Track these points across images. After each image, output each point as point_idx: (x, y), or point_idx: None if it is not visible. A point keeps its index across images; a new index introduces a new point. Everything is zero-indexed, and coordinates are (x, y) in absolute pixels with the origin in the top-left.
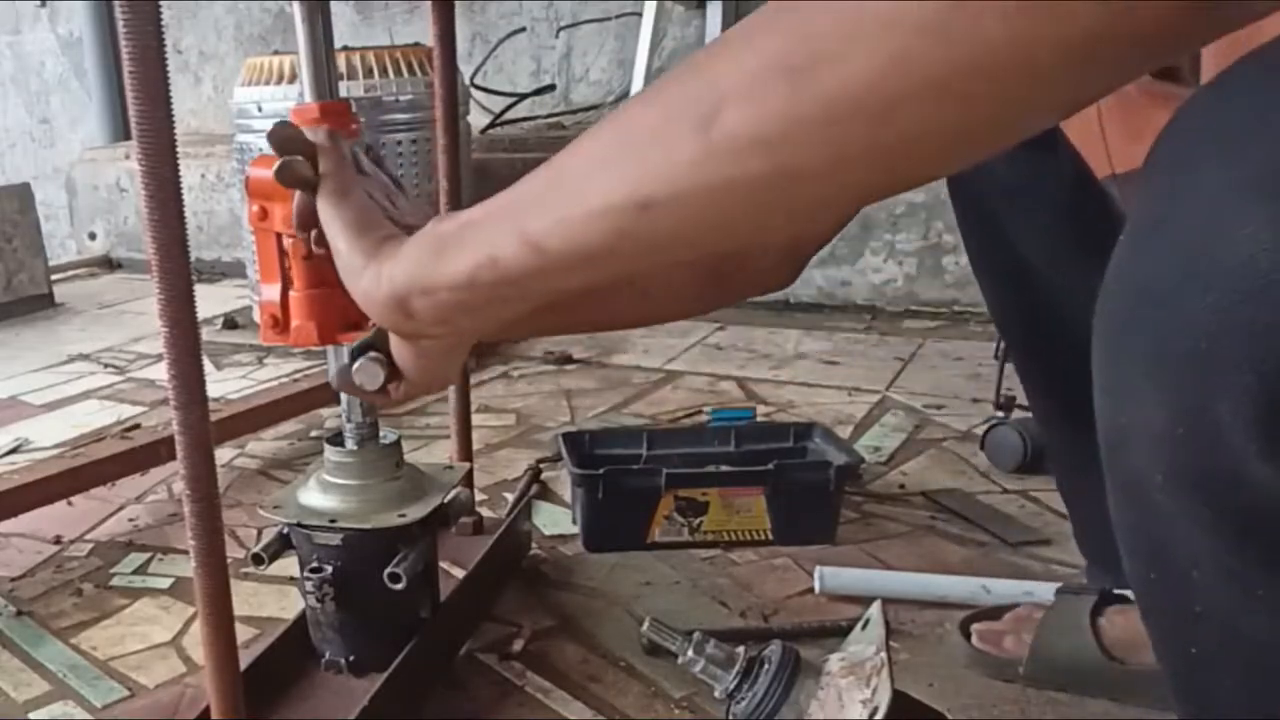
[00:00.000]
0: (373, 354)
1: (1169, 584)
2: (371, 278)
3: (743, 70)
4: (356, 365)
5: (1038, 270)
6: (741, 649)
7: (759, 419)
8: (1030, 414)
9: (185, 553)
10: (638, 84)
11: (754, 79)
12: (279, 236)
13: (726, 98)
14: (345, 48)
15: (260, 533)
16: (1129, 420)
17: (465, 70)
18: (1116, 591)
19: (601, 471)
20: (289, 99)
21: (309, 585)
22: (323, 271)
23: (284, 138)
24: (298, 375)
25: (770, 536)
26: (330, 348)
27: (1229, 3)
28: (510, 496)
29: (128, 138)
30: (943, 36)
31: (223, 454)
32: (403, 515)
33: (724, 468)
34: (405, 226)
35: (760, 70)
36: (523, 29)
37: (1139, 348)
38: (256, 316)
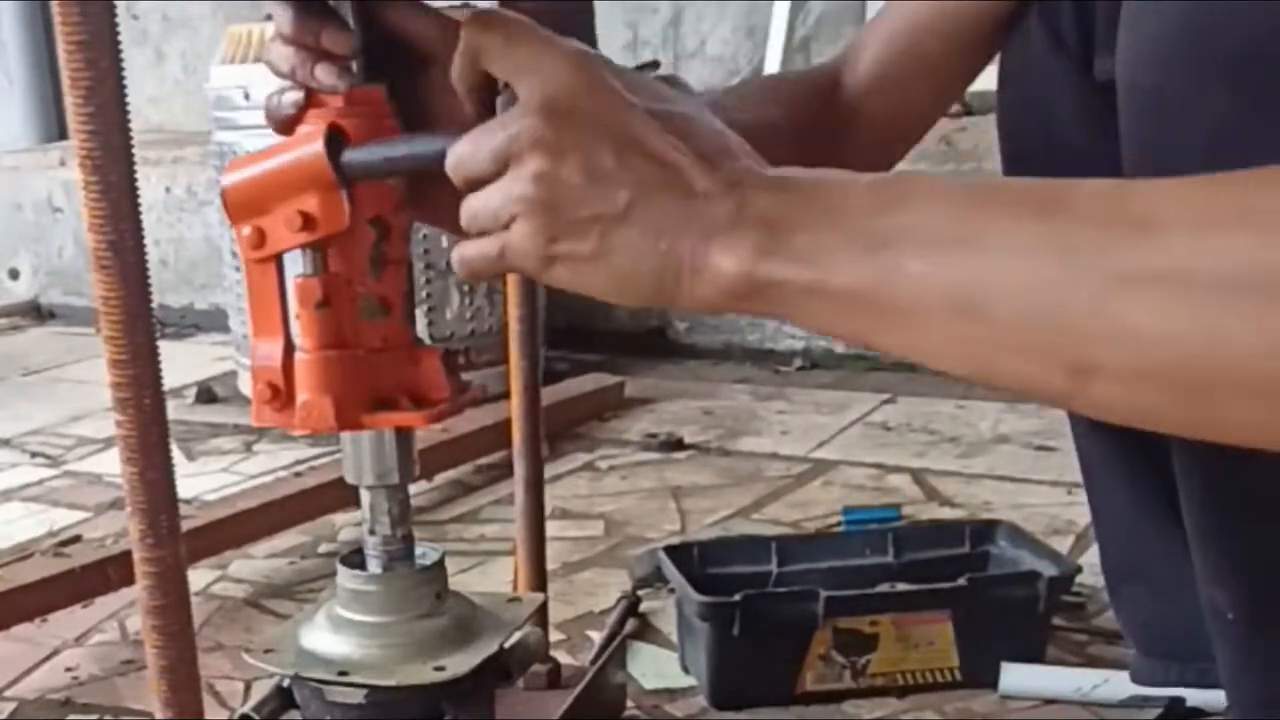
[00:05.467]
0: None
1: None
2: (728, 211)
3: (1133, 332)
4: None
5: None
6: None
7: (929, 521)
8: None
9: (145, 716)
10: (773, 61)
11: (1145, 351)
12: (282, 270)
13: (1103, 364)
14: None
15: (249, 686)
16: None
17: None
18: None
19: (738, 598)
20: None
21: None
22: (344, 324)
23: None
24: (300, 468)
25: (958, 677)
26: (348, 435)
27: None
28: (597, 637)
29: (64, 136)
30: None
31: (198, 577)
32: (440, 668)
33: (900, 586)
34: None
35: (1153, 340)
36: None
37: None
38: (245, 387)
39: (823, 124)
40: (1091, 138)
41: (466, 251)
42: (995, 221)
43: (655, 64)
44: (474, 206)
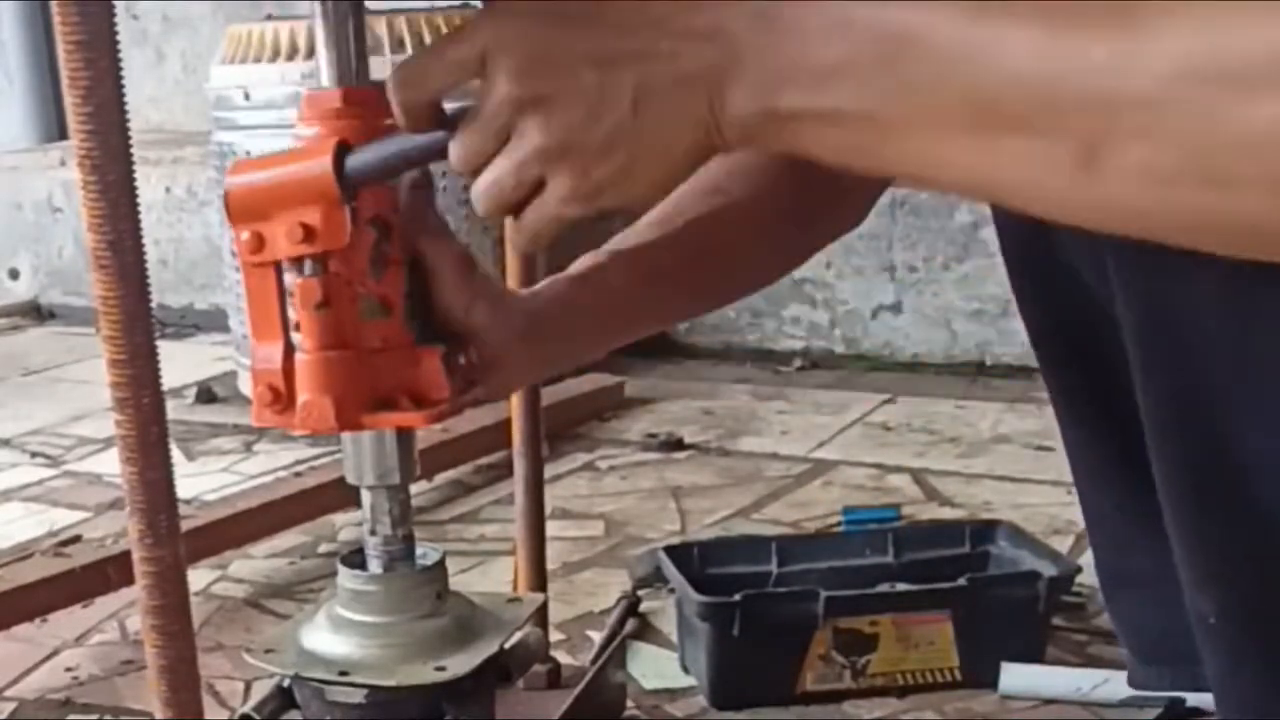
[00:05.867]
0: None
1: None
2: (718, 57)
3: (1144, 97)
4: None
5: (1083, 281)
6: None
7: (929, 521)
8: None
9: (145, 716)
10: None
11: (1156, 115)
12: (280, 273)
13: (1118, 133)
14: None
15: (249, 686)
16: None
17: None
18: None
19: (738, 598)
20: (288, 82)
21: None
22: (345, 325)
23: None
24: (300, 468)
25: (958, 677)
26: (348, 435)
27: None
28: (597, 637)
29: (64, 136)
30: None
31: (198, 577)
32: (441, 668)
33: (900, 586)
34: None
35: (1163, 104)
36: None
37: None
38: (245, 387)
39: (806, 177)
40: None
41: (525, 221)
42: (1000, 24)
43: None
44: (484, 184)
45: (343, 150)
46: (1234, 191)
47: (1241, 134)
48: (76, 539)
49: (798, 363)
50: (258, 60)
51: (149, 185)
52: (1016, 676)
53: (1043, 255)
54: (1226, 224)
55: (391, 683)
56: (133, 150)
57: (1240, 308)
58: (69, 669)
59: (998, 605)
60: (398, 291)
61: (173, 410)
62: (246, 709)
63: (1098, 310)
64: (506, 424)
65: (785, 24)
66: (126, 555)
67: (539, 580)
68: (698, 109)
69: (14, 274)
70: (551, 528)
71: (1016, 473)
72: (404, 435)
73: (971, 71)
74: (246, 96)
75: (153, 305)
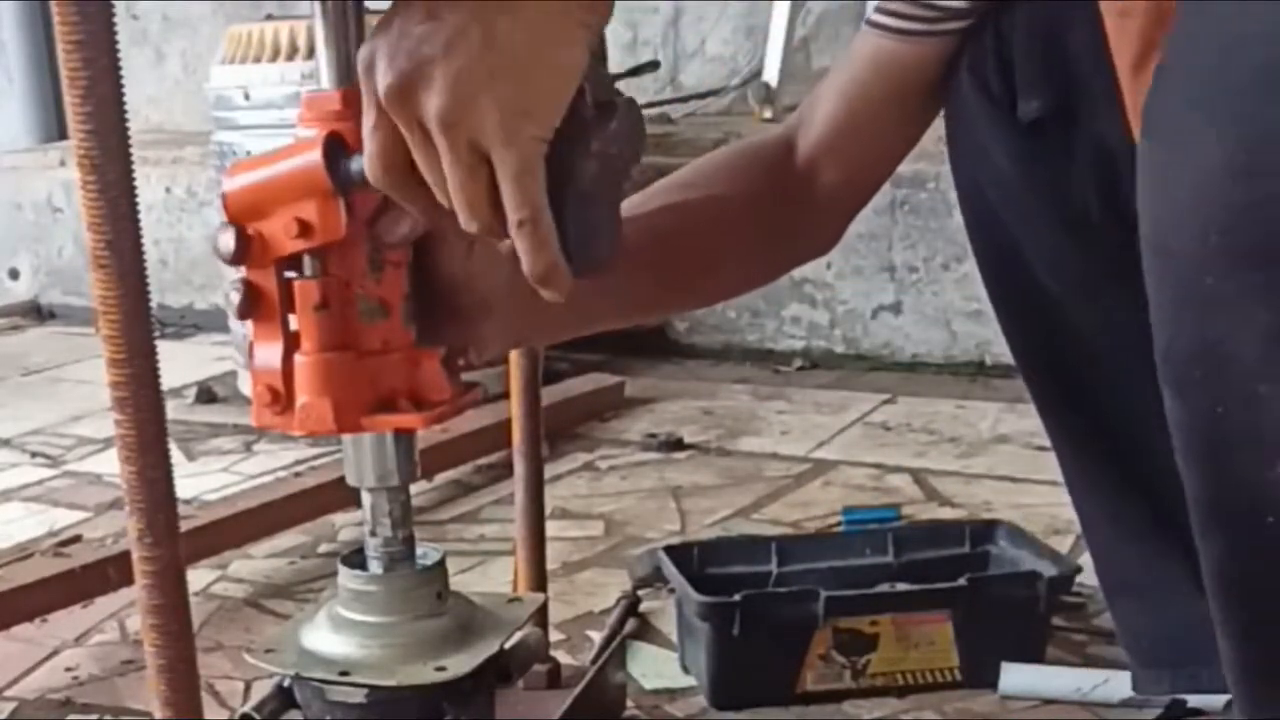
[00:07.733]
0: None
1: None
2: None
3: None
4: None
5: (1057, 299)
6: None
7: (929, 521)
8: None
9: (145, 716)
10: (772, 62)
11: None
12: (280, 273)
13: None
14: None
15: (249, 686)
16: None
17: None
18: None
19: (738, 598)
20: (288, 82)
21: None
22: (344, 326)
23: None
24: (300, 468)
25: (958, 677)
26: (349, 437)
27: None
28: (597, 636)
29: (64, 136)
30: None
31: (197, 577)
32: (441, 669)
33: (900, 586)
34: None
35: None
36: None
37: None
38: (245, 388)
39: (779, 192)
40: (1022, 171)
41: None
42: None
43: (655, 64)
44: (455, 195)
45: (333, 143)
46: None
47: None
48: (76, 539)
49: (798, 363)
50: (258, 60)
51: (149, 185)
52: (1016, 676)
53: (1018, 272)
54: None
55: (392, 683)
56: (132, 150)
57: None
58: (69, 669)
59: (998, 605)
60: (397, 293)
61: (173, 410)
62: (246, 709)
63: (1073, 327)
64: (506, 424)
65: None
66: (126, 555)
67: (539, 580)
68: None
69: (14, 274)
70: (551, 528)
71: (1016, 473)
72: (404, 437)
73: None
74: (246, 96)
75: (153, 305)
